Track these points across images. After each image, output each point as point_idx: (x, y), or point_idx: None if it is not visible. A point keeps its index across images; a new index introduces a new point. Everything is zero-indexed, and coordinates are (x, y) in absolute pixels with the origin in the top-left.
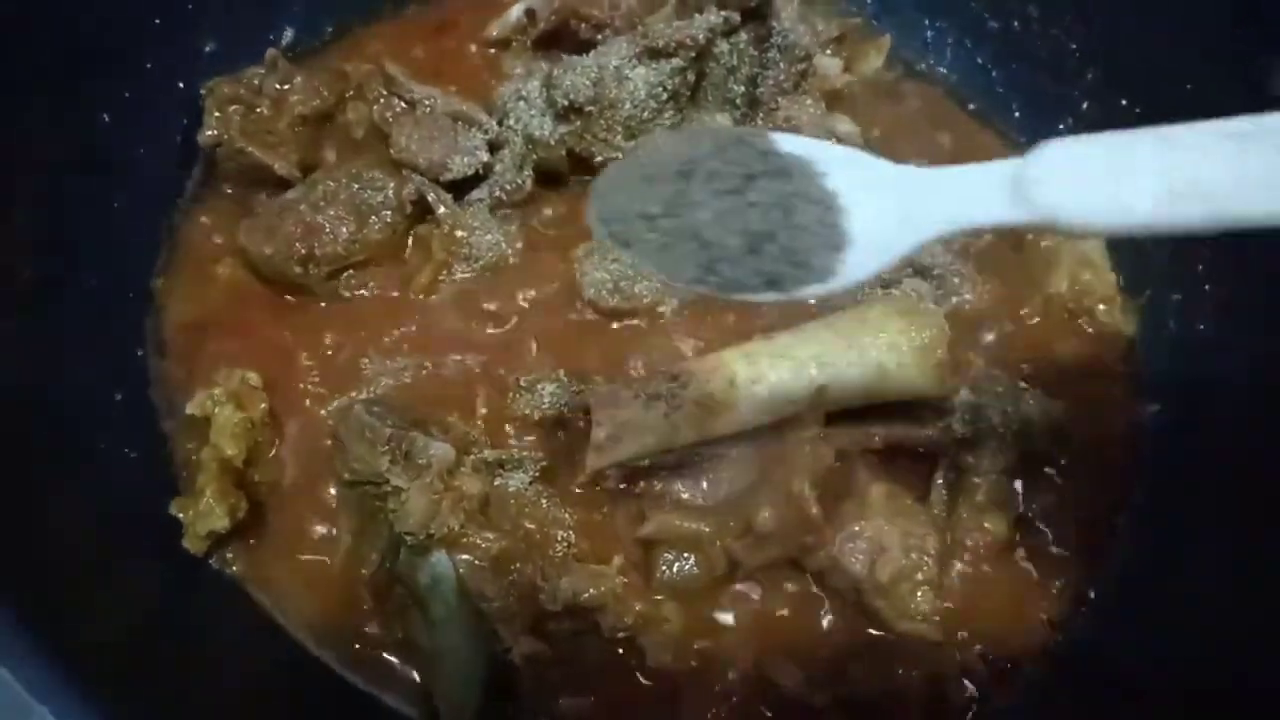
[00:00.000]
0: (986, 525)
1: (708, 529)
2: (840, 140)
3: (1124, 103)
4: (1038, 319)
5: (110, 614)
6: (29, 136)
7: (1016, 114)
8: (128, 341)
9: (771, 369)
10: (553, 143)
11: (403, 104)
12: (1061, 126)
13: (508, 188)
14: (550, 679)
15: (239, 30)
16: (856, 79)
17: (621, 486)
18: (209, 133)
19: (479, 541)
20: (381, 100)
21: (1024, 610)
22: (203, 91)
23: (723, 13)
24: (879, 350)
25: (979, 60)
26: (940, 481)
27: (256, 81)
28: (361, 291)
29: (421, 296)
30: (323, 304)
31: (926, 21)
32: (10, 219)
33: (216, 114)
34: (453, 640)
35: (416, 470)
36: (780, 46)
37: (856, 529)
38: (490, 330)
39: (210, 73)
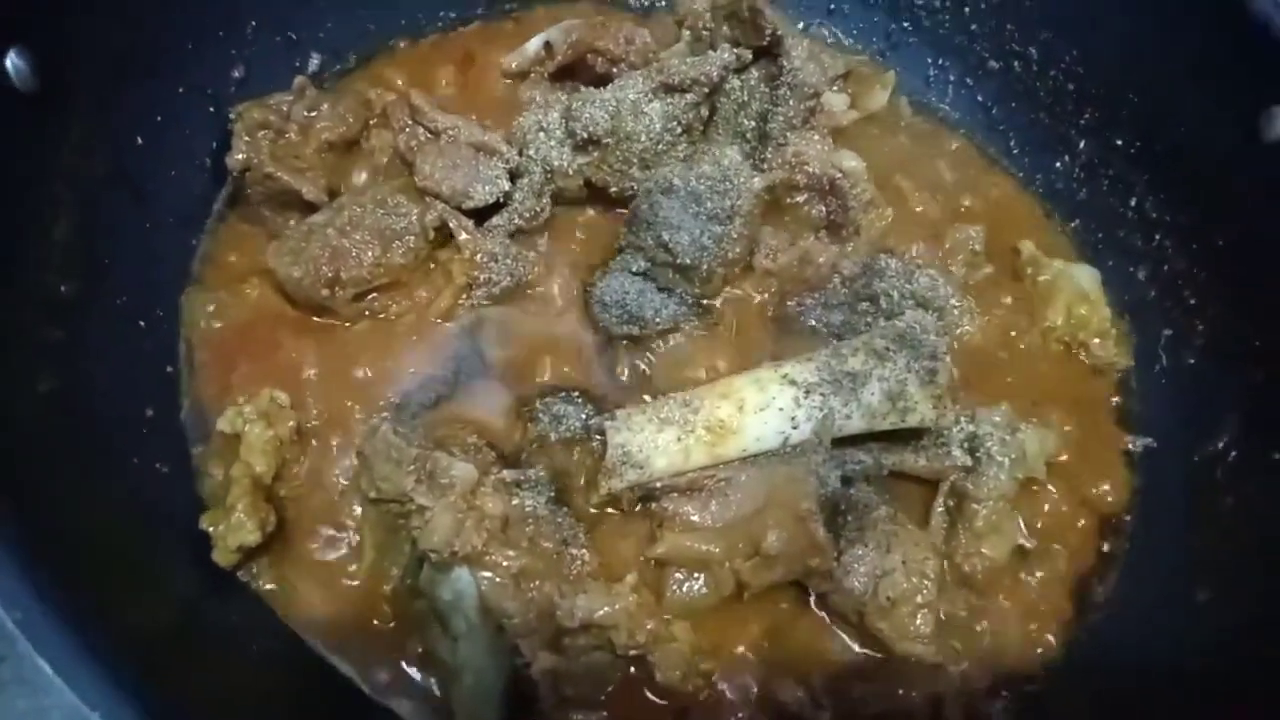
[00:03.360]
0: (985, 550)
1: (717, 550)
2: (845, 175)
3: (1119, 143)
4: (1035, 351)
5: (146, 625)
6: (66, 157)
7: (1015, 150)
8: (158, 359)
9: (780, 396)
10: (571, 172)
11: (427, 133)
12: (1059, 164)
13: (526, 215)
14: (565, 694)
15: (267, 57)
16: (862, 114)
17: (635, 508)
18: (238, 156)
19: (500, 560)
20: (406, 129)
21: (1021, 633)
22: (232, 116)
23: (735, 50)
24: (883, 379)
25: (979, 98)
26: (940, 508)
27: (284, 107)
28: (385, 314)
29: (442, 319)
30: (348, 325)
31: (930, 60)
32: (47, 236)
33: (245, 138)
34: (473, 654)
35: (440, 490)
36: (790, 84)
37: (859, 552)
38: (507, 353)
39: (239, 98)
